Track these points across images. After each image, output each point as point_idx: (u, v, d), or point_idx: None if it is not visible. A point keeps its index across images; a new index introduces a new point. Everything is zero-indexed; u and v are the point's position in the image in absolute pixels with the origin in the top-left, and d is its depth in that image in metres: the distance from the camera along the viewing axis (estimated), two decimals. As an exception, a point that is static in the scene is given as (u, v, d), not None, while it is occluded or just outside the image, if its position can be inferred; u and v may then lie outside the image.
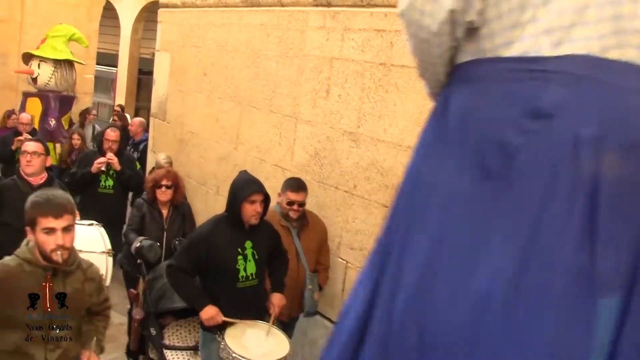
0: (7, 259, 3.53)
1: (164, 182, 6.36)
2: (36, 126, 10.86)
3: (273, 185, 6.98)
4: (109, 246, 5.36)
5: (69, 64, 12.03)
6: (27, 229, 3.45)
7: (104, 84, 20.67)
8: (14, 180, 5.87)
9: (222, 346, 4.59)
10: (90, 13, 14.27)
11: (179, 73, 9.23)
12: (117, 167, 7.66)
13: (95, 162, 7.52)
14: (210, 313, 4.73)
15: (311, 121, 6.47)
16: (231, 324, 4.73)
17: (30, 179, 5.75)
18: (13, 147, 8.94)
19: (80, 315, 3.76)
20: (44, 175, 5.89)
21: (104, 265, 5.16)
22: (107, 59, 20.50)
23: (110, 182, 7.72)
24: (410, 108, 5.36)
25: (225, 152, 7.96)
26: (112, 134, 7.77)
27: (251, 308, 4.89)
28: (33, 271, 3.46)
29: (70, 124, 12.32)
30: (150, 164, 9.56)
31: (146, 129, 10.54)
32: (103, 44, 18.06)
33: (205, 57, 8.51)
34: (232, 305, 4.76)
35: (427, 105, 5.17)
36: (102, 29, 15.48)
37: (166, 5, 9.77)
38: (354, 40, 5.96)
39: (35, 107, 11.63)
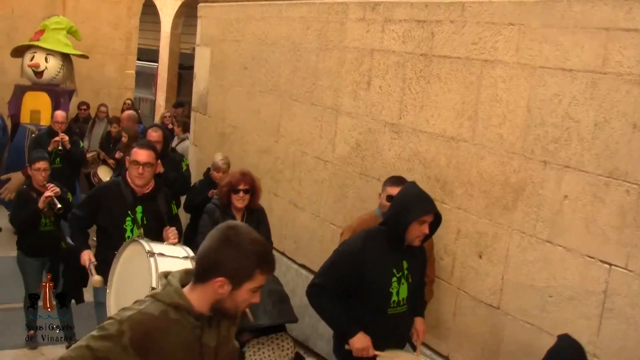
0: (146, 304, 2.61)
1: (241, 187, 5.72)
2: (46, 122, 10.47)
3: (315, 178, 7.00)
4: (192, 253, 4.79)
5: (69, 57, 11.71)
6: (222, 280, 2.55)
7: (145, 79, 20.85)
8: (118, 184, 5.36)
9: None
10: (130, 9, 14.40)
11: (219, 67, 9.28)
12: (160, 169, 6.86)
13: None
14: (364, 342, 4.14)
15: (352, 113, 6.46)
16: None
17: (137, 189, 5.26)
18: (50, 149, 8.43)
19: None
20: (151, 185, 5.36)
21: None
22: (148, 54, 20.69)
23: None
24: (452, 99, 5.32)
25: (266, 146, 7.98)
26: (154, 134, 7.28)
27: (399, 338, 4.36)
28: (180, 320, 2.60)
29: (76, 118, 12.14)
30: (191, 160, 9.63)
31: (139, 121, 10.20)
32: (144, 40, 18.25)
33: (245, 51, 8.54)
34: (380, 335, 4.18)
35: (469, 95, 5.14)
36: (142, 25, 15.62)
37: (206, 0, 9.82)
38: (394, 32, 5.93)
39: (40, 101, 11.17)
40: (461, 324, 5.26)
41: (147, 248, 4.49)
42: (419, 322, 4.54)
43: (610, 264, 4.24)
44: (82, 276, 5.32)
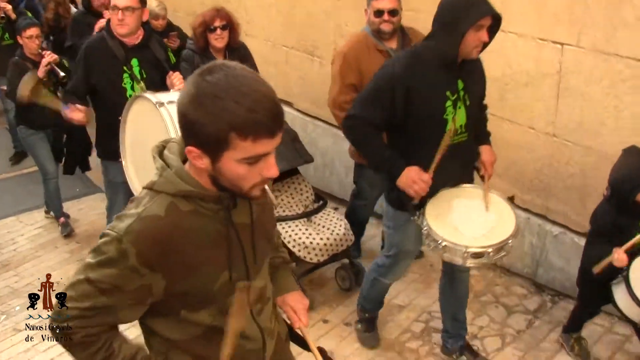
0: (145, 203, 1.97)
1: (217, 24, 5.11)
2: None
3: (261, 3, 6.85)
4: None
5: None
6: (193, 149, 1.86)
7: None
8: (103, 38, 4.70)
9: (424, 231, 3.60)
10: None
11: None
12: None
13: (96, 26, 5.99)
14: (411, 176, 3.54)
15: None
16: (430, 196, 3.63)
17: (125, 40, 4.66)
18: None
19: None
20: (140, 33, 4.75)
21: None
22: None
23: None
24: None
25: (207, -23, 7.71)
26: None
27: (460, 171, 3.80)
28: (196, 209, 1.98)
29: None
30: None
31: None
32: None
33: None
34: (436, 172, 3.55)
35: None
36: None
37: None
38: None
39: None
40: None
41: (154, 100, 4.06)
42: (485, 151, 3.88)
43: (563, 44, 4.28)
44: (87, 145, 5.00)
